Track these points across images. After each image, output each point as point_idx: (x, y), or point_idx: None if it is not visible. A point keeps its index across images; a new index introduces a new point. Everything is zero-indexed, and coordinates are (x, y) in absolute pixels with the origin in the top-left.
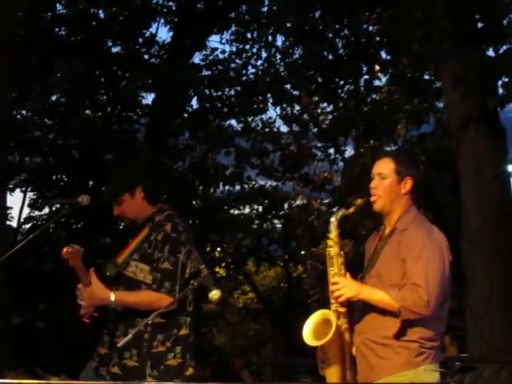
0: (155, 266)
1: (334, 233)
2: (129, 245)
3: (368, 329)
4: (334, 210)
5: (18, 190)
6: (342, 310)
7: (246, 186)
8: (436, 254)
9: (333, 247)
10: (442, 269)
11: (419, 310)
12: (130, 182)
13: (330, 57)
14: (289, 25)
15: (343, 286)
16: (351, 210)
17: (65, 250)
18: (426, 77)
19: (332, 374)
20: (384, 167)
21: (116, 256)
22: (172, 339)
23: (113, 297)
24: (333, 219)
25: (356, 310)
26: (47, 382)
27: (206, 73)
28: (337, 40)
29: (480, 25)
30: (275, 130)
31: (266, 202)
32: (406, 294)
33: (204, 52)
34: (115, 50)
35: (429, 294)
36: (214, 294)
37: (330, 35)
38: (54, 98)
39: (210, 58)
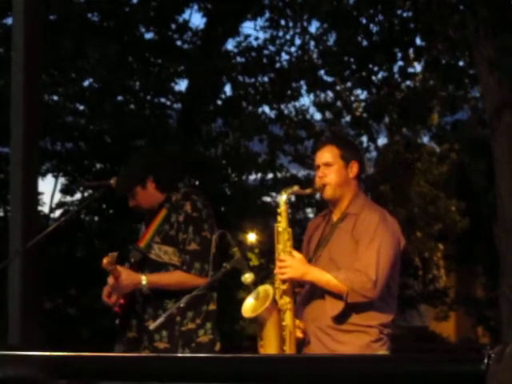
0: (182, 248)
1: (282, 207)
2: (148, 228)
3: (322, 314)
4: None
5: (49, 176)
6: (284, 287)
7: (279, 174)
8: (389, 238)
9: (281, 222)
10: (394, 253)
11: (366, 293)
12: (139, 174)
13: (365, 43)
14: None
15: (288, 266)
16: (307, 190)
17: (104, 261)
18: (461, 63)
19: (269, 351)
20: (328, 155)
21: (137, 241)
22: (202, 315)
23: (144, 280)
24: (283, 194)
25: (305, 294)
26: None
27: (239, 59)
28: (371, 26)
29: None
30: (308, 117)
31: None
32: (354, 276)
33: (237, 39)
34: (148, 36)
35: (377, 275)
36: (247, 278)
37: (365, 21)
38: (86, 83)
39: (244, 44)
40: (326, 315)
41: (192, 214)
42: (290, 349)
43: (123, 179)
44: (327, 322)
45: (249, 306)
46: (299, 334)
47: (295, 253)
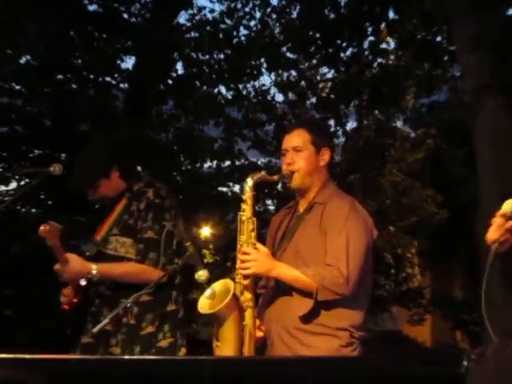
0: (139, 237)
1: (248, 194)
2: (106, 220)
3: (287, 314)
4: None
5: None
6: (245, 282)
7: (237, 162)
8: (360, 228)
9: (245, 211)
10: (366, 244)
11: (338, 289)
12: (103, 165)
13: (332, 16)
14: None
15: (253, 259)
16: (275, 177)
17: (42, 227)
18: (439, 39)
19: (226, 352)
20: (298, 139)
21: (94, 233)
22: (160, 317)
23: (95, 269)
24: (249, 180)
25: (268, 293)
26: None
27: (192, 34)
28: None
29: None
30: (269, 98)
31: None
32: (325, 271)
33: (190, 11)
34: (92, 8)
35: (349, 270)
36: (201, 275)
37: None
38: (23, 60)
39: (198, 17)
40: (292, 315)
41: (154, 200)
42: (248, 351)
43: (84, 172)
44: (293, 322)
45: (206, 301)
46: (259, 333)
47: (260, 245)
